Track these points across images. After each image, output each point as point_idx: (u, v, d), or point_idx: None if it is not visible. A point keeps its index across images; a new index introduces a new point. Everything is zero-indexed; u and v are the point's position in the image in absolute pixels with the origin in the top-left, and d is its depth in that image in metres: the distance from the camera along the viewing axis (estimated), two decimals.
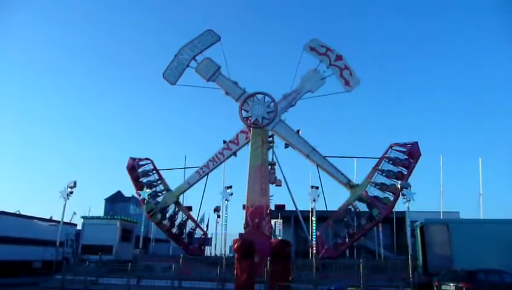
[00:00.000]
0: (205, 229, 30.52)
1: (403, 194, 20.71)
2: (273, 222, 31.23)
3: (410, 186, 21.20)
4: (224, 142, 28.21)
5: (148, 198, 26.36)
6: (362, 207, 25.04)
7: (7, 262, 24.62)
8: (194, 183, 28.11)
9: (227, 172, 31.46)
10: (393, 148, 25.02)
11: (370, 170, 25.48)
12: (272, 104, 26.68)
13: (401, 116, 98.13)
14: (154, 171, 28.64)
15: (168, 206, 27.90)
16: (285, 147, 27.10)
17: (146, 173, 28.28)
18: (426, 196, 68.79)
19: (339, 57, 26.93)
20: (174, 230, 27.87)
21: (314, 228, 22.59)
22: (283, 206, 28.02)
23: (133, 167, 28.08)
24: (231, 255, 25.71)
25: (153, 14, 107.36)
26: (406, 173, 24.22)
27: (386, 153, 25.13)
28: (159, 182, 28.48)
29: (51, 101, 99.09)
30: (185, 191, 28.46)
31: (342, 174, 25.74)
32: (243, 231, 25.18)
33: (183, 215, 28.29)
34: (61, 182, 52.77)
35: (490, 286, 16.12)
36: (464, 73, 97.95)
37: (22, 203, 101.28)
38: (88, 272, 21.18)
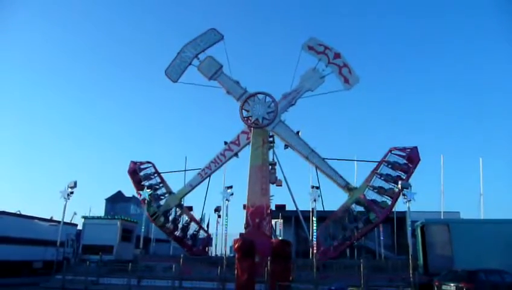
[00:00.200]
0: (205, 229, 30.54)
1: (404, 194, 20.70)
2: (273, 221, 31.26)
3: (410, 186, 21.20)
4: (225, 143, 28.21)
5: (149, 198, 26.31)
6: (359, 210, 25.03)
7: (8, 262, 24.60)
8: (196, 186, 28.09)
9: (227, 172, 31.51)
10: (392, 152, 24.97)
11: (369, 172, 25.50)
12: (273, 104, 26.69)
13: (401, 116, 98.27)
14: (155, 174, 28.56)
15: (171, 209, 27.84)
16: (285, 148, 27.11)
17: (148, 176, 28.21)
18: (427, 196, 68.80)
19: (337, 55, 26.95)
20: (178, 233, 27.81)
21: (314, 228, 22.60)
22: (283, 206, 28.04)
23: (135, 171, 28.01)
24: (232, 255, 25.71)
25: (153, 14, 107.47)
26: (404, 177, 24.20)
27: (385, 157, 25.10)
28: (160, 185, 28.44)
29: (51, 101, 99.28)
30: (187, 193, 28.40)
31: (341, 176, 25.72)
32: (243, 231, 25.18)
33: (186, 218, 28.27)
34: (62, 182, 52.73)
35: (491, 286, 16.11)
36: (463, 73, 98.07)
37: (22, 203, 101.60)
38: (89, 272, 21.17)
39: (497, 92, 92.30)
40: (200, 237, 28.38)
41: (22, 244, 25.95)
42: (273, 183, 26.40)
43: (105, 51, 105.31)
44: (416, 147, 24.71)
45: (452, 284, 16.33)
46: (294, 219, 35.17)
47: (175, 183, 29.39)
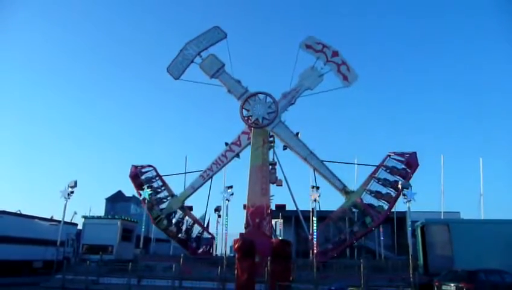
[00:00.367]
0: (209, 231, 30.48)
1: (404, 194, 20.68)
2: (273, 221, 31.25)
3: (410, 186, 21.18)
4: (227, 144, 28.20)
5: (149, 198, 26.27)
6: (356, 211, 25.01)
7: (8, 262, 24.62)
8: (198, 187, 28.07)
9: (227, 172, 31.47)
10: (391, 156, 24.93)
11: (367, 176, 25.50)
12: (273, 104, 26.67)
13: (401, 116, 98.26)
14: (157, 178, 28.47)
15: (174, 211, 27.80)
16: (284, 149, 27.13)
17: (149, 180, 28.12)
18: (427, 196, 68.78)
19: (335, 53, 26.97)
20: (181, 235, 27.76)
21: (315, 228, 22.60)
22: (284, 206, 28.04)
23: (136, 175, 27.92)
24: (232, 255, 25.71)
25: (153, 14, 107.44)
26: (401, 182, 24.19)
27: (383, 161, 25.08)
28: (162, 188, 28.37)
29: (51, 101, 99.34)
30: (189, 195, 28.32)
31: (338, 179, 25.72)
32: (243, 231, 25.17)
33: (190, 220, 28.26)
34: (62, 181, 52.57)
35: (491, 286, 16.11)
36: (463, 73, 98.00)
37: (22, 202, 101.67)
38: (89, 272, 21.17)
39: (497, 92, 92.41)
40: (203, 238, 28.36)
41: (22, 244, 25.96)
42: (273, 183, 26.40)
43: (105, 51, 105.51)
44: (415, 153, 24.64)
45: (452, 284, 16.33)
46: (295, 219, 35.20)
47: (176, 185, 29.44)
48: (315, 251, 23.84)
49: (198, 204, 29.72)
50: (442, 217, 33.33)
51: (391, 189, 24.16)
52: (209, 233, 29.26)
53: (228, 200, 23.90)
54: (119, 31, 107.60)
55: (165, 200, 28.19)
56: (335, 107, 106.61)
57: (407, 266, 19.68)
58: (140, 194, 26.91)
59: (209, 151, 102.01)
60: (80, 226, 32.14)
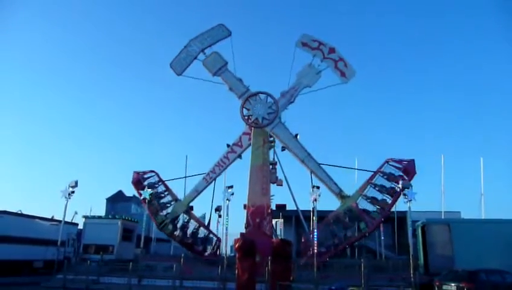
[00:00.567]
0: (215, 233, 30.44)
1: (404, 194, 20.66)
2: (274, 221, 31.22)
3: (411, 186, 21.17)
4: (228, 145, 28.17)
5: (150, 198, 26.23)
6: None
7: (9, 261, 24.66)
8: (202, 190, 27.98)
9: (228, 172, 31.42)
10: (389, 163, 24.87)
11: (364, 181, 25.47)
12: (274, 105, 26.65)
13: (402, 116, 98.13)
14: (159, 183, 28.32)
15: (179, 216, 27.77)
16: (282, 150, 27.09)
17: (152, 186, 27.90)
18: (427, 196, 68.77)
19: (332, 50, 26.99)
20: (187, 239, 27.70)
21: (315, 227, 22.59)
22: (284, 205, 28.01)
23: (139, 181, 27.71)
24: (232, 254, 25.71)
25: (153, 13, 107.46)
26: (398, 190, 24.17)
27: (381, 167, 25.02)
28: (166, 193, 28.22)
29: (52, 101, 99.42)
30: (194, 199, 28.21)
31: (335, 183, 25.66)
32: (244, 231, 25.16)
33: (195, 224, 28.24)
34: (63, 181, 52.73)
35: (491, 286, 16.10)
36: (463, 73, 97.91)
37: (23, 202, 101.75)
38: (89, 272, 21.19)
39: (497, 92, 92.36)
40: (209, 240, 28.35)
41: (23, 244, 25.98)
42: (273, 183, 26.37)
43: (105, 51, 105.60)
44: (413, 160, 24.56)
45: (453, 284, 16.32)
46: (295, 219, 35.20)
47: (177, 187, 29.44)
48: (309, 253, 23.88)
49: (199, 204, 29.71)
50: (442, 217, 33.37)
51: (387, 195, 24.18)
52: (215, 235, 29.23)
53: (229, 200, 23.90)
54: (118, 31, 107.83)
55: (168, 205, 28.03)
56: (335, 107, 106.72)
57: (407, 266, 19.70)
58: (141, 194, 26.88)
59: (209, 151, 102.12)
60: (80, 226, 32.16)
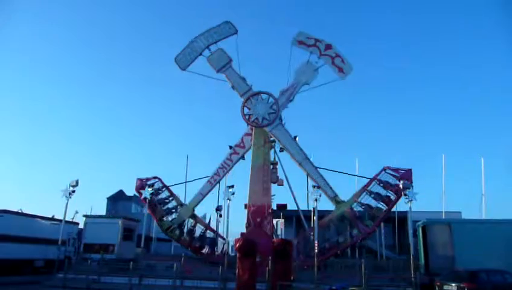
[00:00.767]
0: (222, 236, 30.40)
1: (405, 194, 20.65)
2: (274, 221, 31.24)
3: (412, 186, 21.16)
4: (230, 147, 28.18)
5: (150, 197, 26.21)
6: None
7: (9, 260, 24.67)
8: (207, 194, 28.00)
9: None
10: (386, 171, 24.83)
11: (361, 186, 25.49)
12: (275, 105, 26.63)
13: (402, 116, 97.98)
14: (163, 188, 28.28)
15: (185, 220, 27.69)
16: (280, 151, 27.09)
17: (156, 192, 27.94)
18: (428, 196, 68.76)
19: (329, 46, 27.04)
20: (195, 243, 27.62)
21: (316, 227, 22.57)
22: (285, 205, 28.05)
23: (142, 188, 27.66)
24: (233, 254, 25.70)
25: (153, 13, 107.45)
26: (393, 198, 24.13)
27: (378, 174, 25.00)
28: (170, 198, 28.20)
29: (52, 100, 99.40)
30: (199, 202, 28.18)
31: (330, 187, 25.66)
32: (244, 230, 25.17)
33: (202, 227, 28.20)
34: (63, 181, 52.97)
35: (492, 286, 16.08)
36: (464, 73, 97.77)
37: (24, 201, 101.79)
38: (90, 271, 21.20)
39: (498, 92, 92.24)
40: (212, 241, 28.35)
41: (24, 243, 25.99)
42: (274, 183, 26.39)
43: (106, 51, 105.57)
44: (410, 170, 24.54)
45: (453, 285, 16.30)
46: (296, 219, 35.21)
47: (178, 189, 29.45)
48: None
49: (200, 204, 29.63)
50: (443, 217, 33.32)
51: (382, 203, 24.14)
52: (222, 237, 29.25)
53: (229, 200, 23.89)
54: (119, 31, 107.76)
55: (174, 210, 27.97)
56: (335, 107, 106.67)
57: (408, 266, 19.65)
58: (141, 194, 26.88)
59: (209, 150, 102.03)
60: (81, 225, 32.17)
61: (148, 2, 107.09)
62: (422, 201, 39.81)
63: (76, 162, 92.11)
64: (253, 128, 26.76)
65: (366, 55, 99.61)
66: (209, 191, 27.84)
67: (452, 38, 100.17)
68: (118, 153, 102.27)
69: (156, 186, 28.22)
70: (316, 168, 26.30)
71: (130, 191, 54.29)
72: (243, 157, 27.87)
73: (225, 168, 27.97)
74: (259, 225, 24.50)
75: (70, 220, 31.88)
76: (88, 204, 72.37)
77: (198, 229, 28.46)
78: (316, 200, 21.63)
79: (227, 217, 24.51)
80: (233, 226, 29.04)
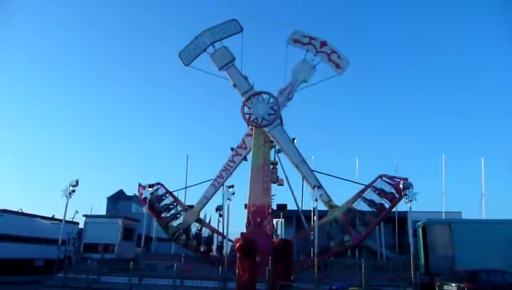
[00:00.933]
0: (230, 239, 30.34)
1: (405, 194, 20.64)
2: (274, 221, 31.24)
3: (412, 186, 21.15)
4: (232, 149, 28.15)
5: (151, 197, 26.15)
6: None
7: (9, 260, 24.70)
8: (211, 197, 27.94)
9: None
10: (382, 178, 24.76)
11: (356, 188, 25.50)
12: (275, 106, 26.62)
13: (403, 116, 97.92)
14: (167, 194, 28.11)
15: (191, 225, 27.67)
16: (278, 152, 27.06)
17: (160, 198, 27.76)
18: (428, 196, 68.68)
19: (324, 43, 27.02)
20: (202, 247, 27.57)
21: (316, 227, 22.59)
22: (285, 205, 28.02)
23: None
24: (233, 254, 25.69)
25: (153, 14, 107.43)
26: (387, 207, 24.13)
27: (374, 181, 24.94)
28: (175, 203, 28.02)
29: (52, 100, 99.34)
30: (204, 206, 28.03)
31: (325, 191, 25.56)
32: (244, 230, 25.17)
33: (208, 231, 28.16)
34: (64, 180, 52.91)
35: (492, 286, 16.12)
36: (464, 72, 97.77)
37: (24, 201, 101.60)
38: (90, 271, 21.21)
39: (498, 91, 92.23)
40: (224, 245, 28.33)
41: (24, 243, 26.04)
42: (274, 183, 26.35)
43: (106, 51, 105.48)
44: (406, 179, 24.54)
45: (453, 285, 16.33)
46: (296, 219, 35.22)
47: (180, 194, 29.44)
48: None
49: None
50: (443, 217, 33.31)
51: (375, 210, 24.11)
52: (230, 240, 29.24)
53: (229, 200, 23.89)
54: (118, 31, 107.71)
55: (179, 215, 27.88)
56: (335, 106, 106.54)
57: (408, 266, 19.65)
58: (142, 193, 26.84)
59: (209, 150, 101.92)
60: (81, 225, 32.20)
61: (148, 2, 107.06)
62: (423, 201, 39.77)
63: (76, 162, 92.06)
64: (254, 128, 26.76)
65: (366, 56, 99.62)
66: (214, 194, 27.75)
67: (453, 39, 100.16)
68: (118, 153, 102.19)
69: (160, 192, 27.97)
70: (312, 171, 26.31)
71: (130, 191, 54.37)
72: (245, 159, 27.78)
73: (228, 170, 27.91)
74: (259, 225, 24.50)
75: (71, 219, 31.96)
76: (88, 204, 72.35)
77: (207, 234, 28.33)
78: (316, 200, 21.67)
79: (228, 217, 24.60)
80: (233, 226, 28.97)
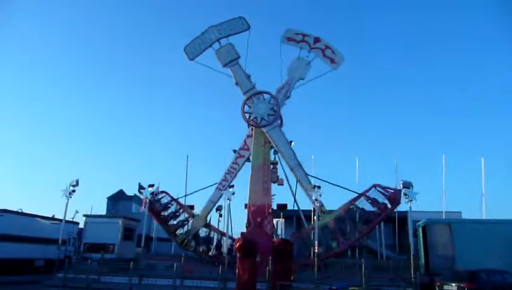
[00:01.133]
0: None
1: (405, 194, 20.62)
2: (275, 221, 31.23)
3: (412, 186, 21.13)
4: (235, 151, 28.13)
5: (151, 197, 26.12)
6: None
7: (9, 260, 24.70)
8: (218, 200, 27.91)
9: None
10: (376, 188, 24.68)
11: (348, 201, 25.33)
12: (276, 107, 26.59)
13: (403, 115, 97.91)
14: (172, 202, 27.96)
15: (199, 230, 27.62)
16: (274, 153, 27.04)
17: (166, 206, 27.60)
18: (428, 196, 68.67)
19: (317, 40, 27.06)
20: (212, 252, 27.51)
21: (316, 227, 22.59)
22: (285, 205, 27.97)
23: (151, 204, 26.97)
24: (233, 254, 25.70)
25: (153, 14, 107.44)
26: (379, 217, 24.11)
27: (367, 190, 24.90)
28: (181, 210, 27.96)
29: (53, 100, 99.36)
30: (210, 211, 27.92)
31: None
32: (245, 230, 25.16)
33: (218, 235, 28.12)
34: (64, 180, 52.88)
35: (492, 286, 16.13)
36: (464, 72, 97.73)
37: (24, 201, 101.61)
38: (90, 271, 21.22)
39: (498, 91, 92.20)
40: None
41: (24, 243, 26.03)
42: (274, 183, 26.34)
43: (106, 51, 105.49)
44: (400, 190, 24.47)
45: (454, 284, 16.34)
46: (296, 219, 35.22)
47: (179, 192, 29.39)
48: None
49: (199, 204, 29.61)
50: (443, 217, 33.32)
51: (366, 220, 24.07)
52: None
53: (230, 200, 23.91)
54: (118, 31, 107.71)
55: (186, 222, 27.80)
56: (335, 106, 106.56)
57: (408, 266, 19.67)
58: (142, 193, 26.82)
59: (210, 151, 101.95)
60: (81, 225, 32.21)
61: (148, 2, 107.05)
62: (423, 201, 39.68)
63: (77, 162, 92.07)
64: (254, 128, 26.74)
65: (366, 56, 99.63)
66: (219, 197, 27.65)
67: (452, 39, 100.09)
68: (118, 153, 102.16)
69: (165, 200, 27.78)
70: (307, 175, 26.29)
71: (130, 190, 54.47)
72: (248, 160, 27.73)
73: (232, 172, 27.85)
74: (260, 225, 24.50)
75: (71, 219, 31.95)
76: (88, 204, 72.42)
77: (216, 238, 28.27)
78: (316, 200, 21.67)
79: (228, 217, 24.60)
80: (233, 226, 28.98)
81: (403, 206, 25.59)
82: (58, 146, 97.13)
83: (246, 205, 25.74)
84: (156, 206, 27.17)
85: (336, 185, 26.03)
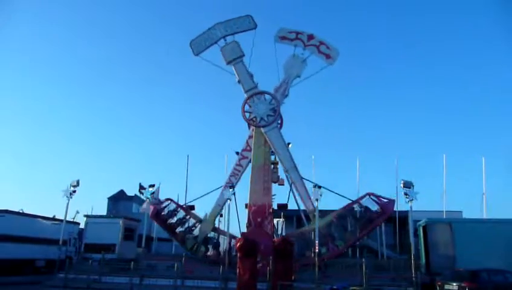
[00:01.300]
0: None
1: (406, 194, 20.61)
2: (275, 221, 31.21)
3: (413, 185, 21.11)
4: (237, 153, 28.11)
5: (151, 198, 26.12)
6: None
7: (10, 260, 24.72)
8: (224, 203, 27.87)
9: (229, 171, 31.42)
10: (370, 196, 24.60)
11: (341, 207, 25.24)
12: (276, 107, 26.57)
13: (403, 115, 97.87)
14: (178, 209, 27.61)
15: (208, 235, 27.61)
16: (272, 154, 27.01)
17: (172, 214, 27.25)
18: (429, 195, 68.56)
19: (311, 37, 27.00)
20: (222, 256, 27.43)
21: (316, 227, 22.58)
22: (285, 205, 27.95)
23: (157, 213, 26.80)
24: (234, 254, 25.71)
25: (153, 14, 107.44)
26: (369, 226, 24.09)
27: (361, 198, 24.89)
28: (187, 217, 27.82)
29: (53, 100, 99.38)
30: (218, 214, 27.77)
31: (311, 201, 25.35)
32: (245, 230, 25.16)
33: (226, 238, 28.09)
34: (64, 181, 52.94)
35: (493, 286, 16.12)
36: (464, 72, 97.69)
37: (25, 202, 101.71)
38: (91, 271, 21.30)
39: (499, 91, 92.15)
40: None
41: (25, 243, 26.06)
42: (275, 182, 26.32)
43: (106, 51, 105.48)
44: (393, 201, 24.45)
45: (454, 284, 16.33)
46: (296, 219, 35.19)
47: (179, 194, 29.33)
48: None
49: (201, 203, 29.58)
50: (444, 217, 33.29)
51: (357, 227, 24.05)
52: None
53: (230, 200, 23.91)
54: (118, 30, 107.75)
55: (193, 227, 27.74)
56: (334, 106, 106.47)
57: (409, 266, 19.63)
58: (143, 193, 26.83)
59: (210, 151, 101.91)
60: (82, 225, 32.24)
61: (148, 2, 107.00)
62: (423, 200, 39.60)
63: (77, 162, 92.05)
64: (254, 128, 26.74)
65: (366, 55, 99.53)
66: (226, 200, 27.59)
67: (452, 39, 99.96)
68: (118, 153, 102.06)
69: (171, 207, 27.41)
70: (302, 178, 26.25)
71: (131, 191, 54.56)
72: (251, 161, 27.72)
73: (236, 174, 27.75)
74: (260, 225, 24.50)
75: (71, 220, 31.97)
76: (89, 204, 72.10)
77: (224, 242, 28.21)
78: (316, 200, 21.65)
79: (228, 217, 24.59)
80: (234, 226, 28.98)
81: (403, 206, 25.64)
82: (58, 146, 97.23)
83: (246, 205, 25.74)
84: (163, 214, 26.89)
85: (330, 190, 25.24)
